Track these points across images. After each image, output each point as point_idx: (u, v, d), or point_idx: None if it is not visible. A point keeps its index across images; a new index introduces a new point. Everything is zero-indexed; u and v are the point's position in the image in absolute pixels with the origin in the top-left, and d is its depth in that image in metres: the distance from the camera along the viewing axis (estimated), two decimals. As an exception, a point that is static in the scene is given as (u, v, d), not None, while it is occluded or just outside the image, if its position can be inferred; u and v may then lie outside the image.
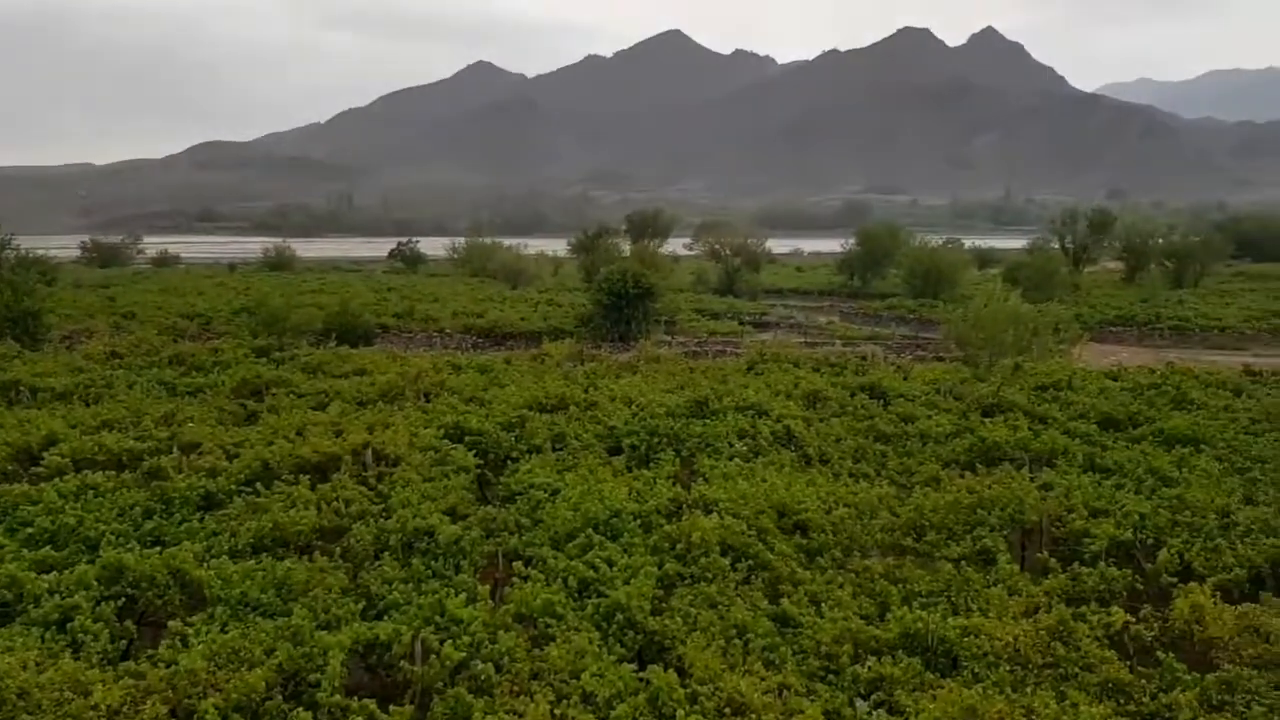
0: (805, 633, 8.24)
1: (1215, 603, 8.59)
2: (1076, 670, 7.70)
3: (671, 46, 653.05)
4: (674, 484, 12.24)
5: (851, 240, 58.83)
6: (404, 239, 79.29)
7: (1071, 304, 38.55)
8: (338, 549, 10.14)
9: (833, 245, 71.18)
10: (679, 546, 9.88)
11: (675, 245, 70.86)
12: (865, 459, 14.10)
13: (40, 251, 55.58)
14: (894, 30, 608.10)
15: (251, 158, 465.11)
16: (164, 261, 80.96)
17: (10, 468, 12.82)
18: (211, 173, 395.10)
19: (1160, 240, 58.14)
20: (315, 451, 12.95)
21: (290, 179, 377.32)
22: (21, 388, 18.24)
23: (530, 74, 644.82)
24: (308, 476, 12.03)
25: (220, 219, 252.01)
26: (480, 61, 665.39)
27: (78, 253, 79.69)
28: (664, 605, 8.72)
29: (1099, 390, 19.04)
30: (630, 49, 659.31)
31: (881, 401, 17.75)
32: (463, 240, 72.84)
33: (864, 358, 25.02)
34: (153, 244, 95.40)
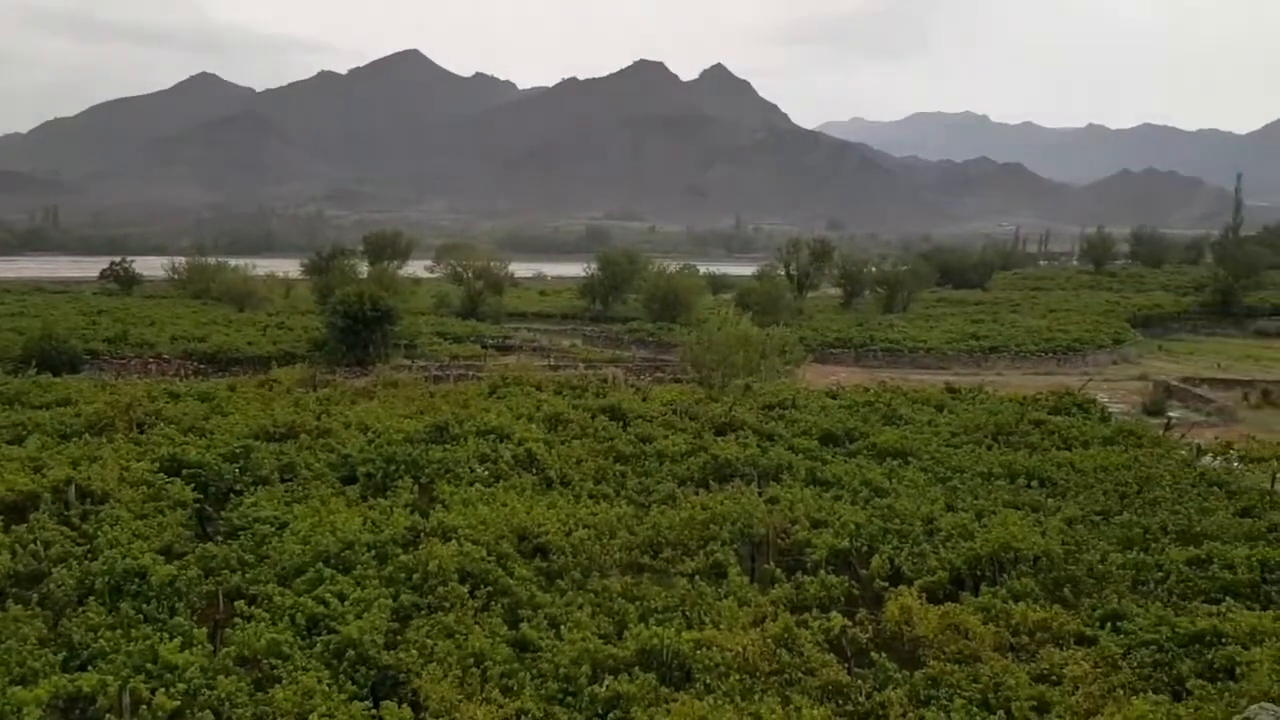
0: (544, 656, 8.25)
1: (922, 604, 9.30)
2: (800, 675, 8.11)
3: (410, 65, 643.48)
4: (411, 512, 11.98)
5: (593, 265, 59.82)
6: (117, 258, 73.65)
7: (796, 327, 40.74)
8: (35, 595, 9.25)
9: (575, 269, 72.09)
10: (416, 576, 9.67)
11: (416, 267, 69.54)
12: (605, 479, 14.33)
13: None
14: (630, 62, 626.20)
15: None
16: None
17: None
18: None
19: (874, 269, 62.73)
20: (10, 490, 11.78)
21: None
22: None
23: (259, 88, 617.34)
24: (1, 517, 10.92)
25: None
26: (204, 73, 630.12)
27: None
28: (399, 638, 8.50)
29: (820, 408, 20.25)
30: (366, 66, 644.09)
31: (621, 423, 18.10)
32: (184, 260, 68.54)
33: (605, 380, 25.46)
34: None
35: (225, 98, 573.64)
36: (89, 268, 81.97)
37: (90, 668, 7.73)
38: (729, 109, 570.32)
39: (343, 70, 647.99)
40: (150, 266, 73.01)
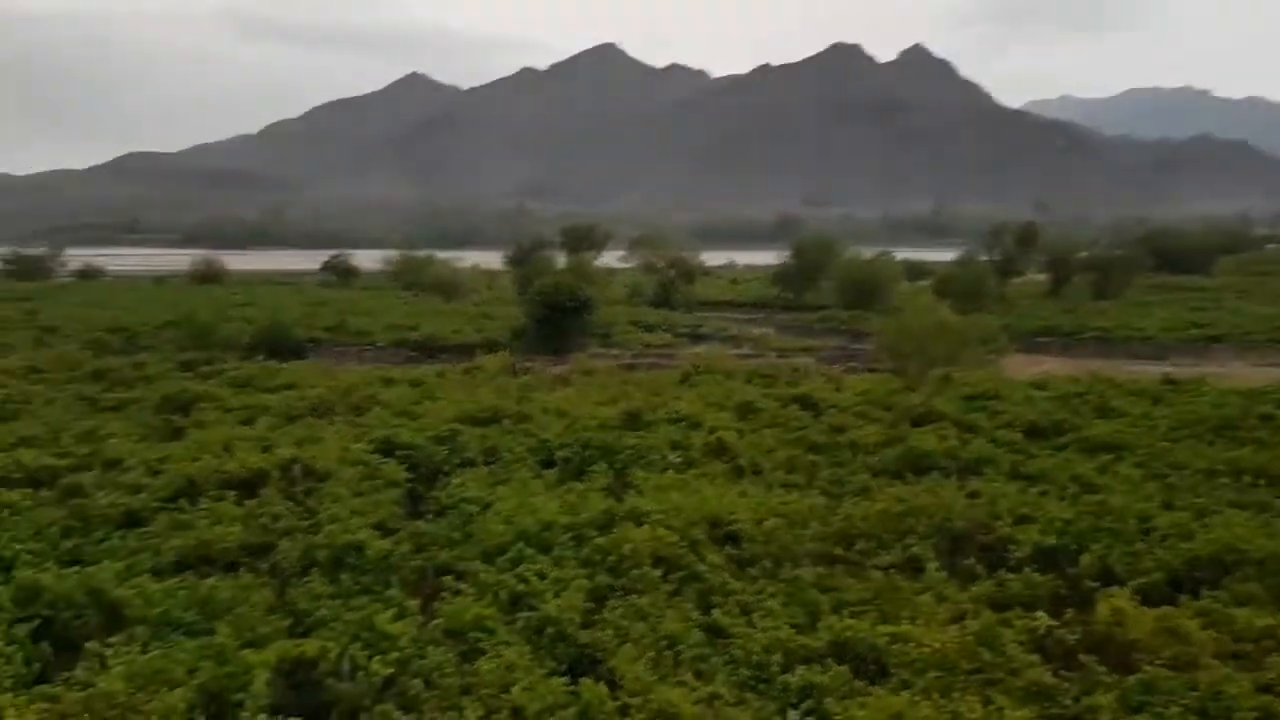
0: (736, 643, 8.28)
1: (1135, 606, 8.81)
2: (1002, 675, 7.84)
3: (605, 59, 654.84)
4: (606, 496, 12.24)
5: (785, 253, 59.34)
6: (336, 252, 78.35)
7: (999, 315, 39.28)
8: (264, 566, 9.97)
9: (767, 258, 71.72)
10: (611, 559, 9.87)
11: (611, 258, 70.90)
12: (797, 469, 14.22)
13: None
14: (826, 46, 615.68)
15: (179, 169, 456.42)
16: (89, 274, 78.97)
17: (-80, 487, 12.40)
18: (137, 184, 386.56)
19: (1084, 253, 59.59)
20: (242, 467, 12.74)
21: (221, 191, 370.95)
22: (-66, 404, 17.68)
23: (464, 86, 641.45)
24: (234, 492, 11.84)
25: (147, 231, 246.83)
26: (413, 74, 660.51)
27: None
28: (595, 618, 8.71)
29: (1025, 399, 19.43)
30: (564, 62, 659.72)
31: (814, 412, 17.93)
32: (396, 253, 72.18)
33: (797, 369, 25.26)
34: (76, 256, 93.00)
35: (432, 97, 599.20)
36: (311, 261, 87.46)
37: (312, 634, 8.26)
38: (928, 90, 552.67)
39: (543, 66, 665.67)
40: (366, 259, 77.27)
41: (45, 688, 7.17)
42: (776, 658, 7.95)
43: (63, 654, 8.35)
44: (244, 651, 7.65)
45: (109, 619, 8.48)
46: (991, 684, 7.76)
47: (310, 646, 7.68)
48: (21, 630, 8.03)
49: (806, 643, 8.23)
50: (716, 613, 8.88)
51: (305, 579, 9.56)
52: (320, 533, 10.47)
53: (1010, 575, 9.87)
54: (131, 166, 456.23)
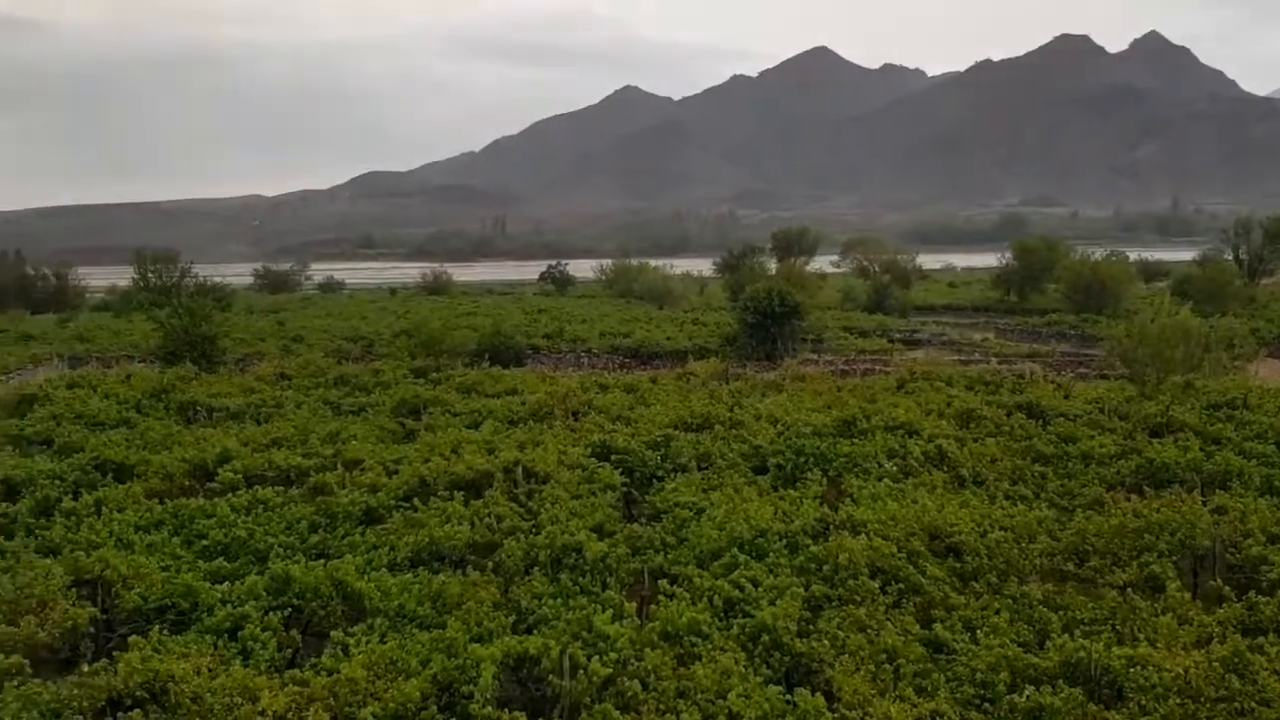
0: (959, 659, 8.01)
1: None
2: (1253, 704, 7.24)
3: (818, 63, 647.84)
4: (820, 504, 12.09)
5: (1008, 254, 56.98)
6: (554, 262, 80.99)
7: (1247, 318, 36.35)
8: (490, 564, 10.39)
9: (987, 260, 69.08)
10: (826, 568, 9.74)
11: (822, 262, 70.06)
12: (1023, 480, 13.63)
13: (216, 279, 59.15)
14: (1051, 37, 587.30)
15: (410, 187, 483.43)
16: (330, 287, 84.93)
17: (188, 483, 13.64)
18: (373, 202, 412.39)
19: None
20: (469, 469, 13.34)
21: (447, 206, 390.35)
22: (199, 407, 19.40)
23: (676, 96, 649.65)
24: (462, 493, 12.41)
25: (382, 246, 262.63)
26: (628, 86, 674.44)
27: (250, 280, 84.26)
28: (811, 627, 8.62)
29: (1277, 409, 17.89)
30: (776, 67, 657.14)
31: (1040, 421, 17.12)
32: (610, 262, 73.85)
33: (1021, 376, 24.19)
34: (319, 270, 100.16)
35: (646, 108, 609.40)
36: (530, 271, 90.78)
37: (535, 632, 8.55)
38: (1164, 79, 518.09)
39: (754, 73, 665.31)
40: (581, 269, 79.45)
41: (295, 672, 7.73)
42: (1002, 676, 7.64)
43: (310, 641, 9.01)
44: (472, 645, 8.00)
45: (351, 609, 9.07)
46: (1241, 714, 7.19)
47: (533, 644, 7.95)
48: (275, 618, 8.70)
49: (1035, 662, 7.86)
50: (938, 627, 8.61)
51: (527, 577, 9.91)
52: (541, 533, 10.83)
53: (1262, 598, 9.10)
54: (368, 186, 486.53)
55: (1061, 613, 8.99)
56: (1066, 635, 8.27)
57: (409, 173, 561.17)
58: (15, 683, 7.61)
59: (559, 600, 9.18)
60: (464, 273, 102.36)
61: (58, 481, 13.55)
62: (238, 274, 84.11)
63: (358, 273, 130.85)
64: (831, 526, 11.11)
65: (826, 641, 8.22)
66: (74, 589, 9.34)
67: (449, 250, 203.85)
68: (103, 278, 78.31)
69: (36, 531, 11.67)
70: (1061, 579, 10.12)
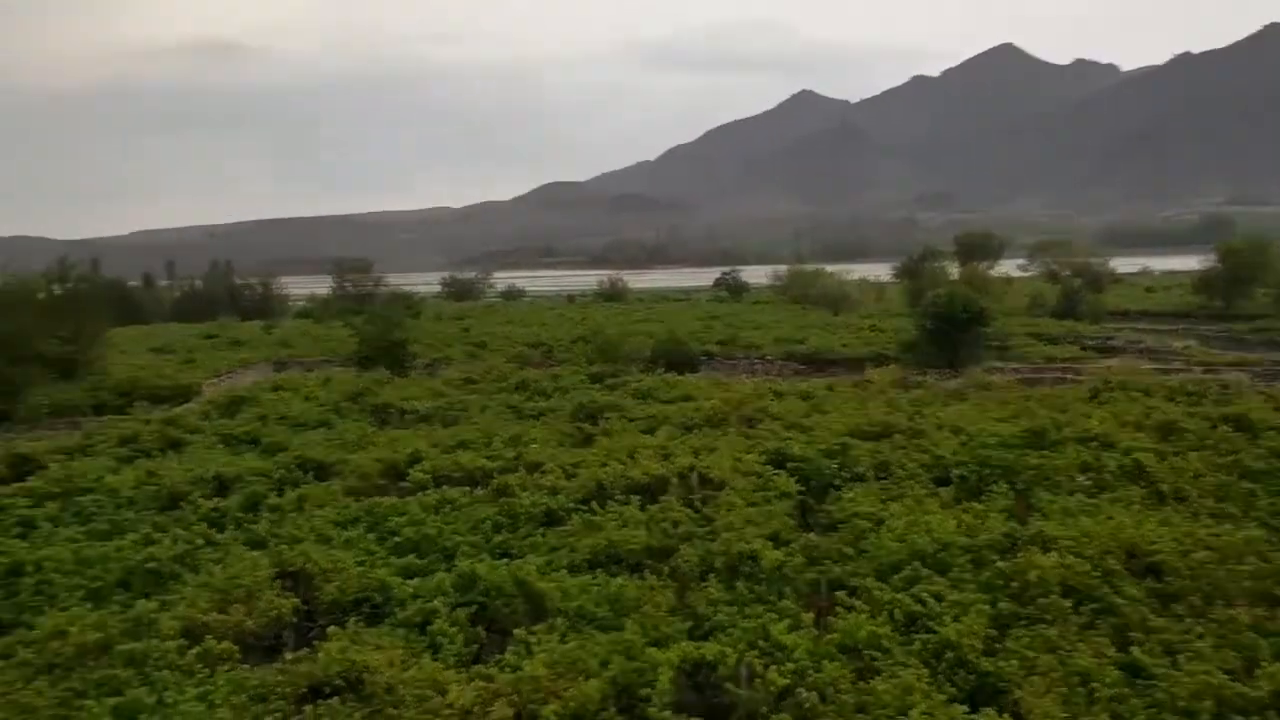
0: (1159, 685, 7.55)
1: None
2: None
3: (1004, 60, 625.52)
4: (1007, 518, 11.63)
5: (1211, 257, 53.51)
6: (727, 268, 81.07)
7: None
8: (665, 568, 10.46)
9: (1188, 263, 65.05)
10: (1014, 585, 9.36)
11: (1008, 267, 67.51)
12: (1229, 498, 12.73)
13: (406, 288, 61.89)
14: (1258, 27, 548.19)
15: (588, 197, 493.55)
16: (511, 295, 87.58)
17: (381, 482, 14.30)
18: (553, 212, 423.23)
19: None
20: (645, 473, 13.48)
21: (623, 215, 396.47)
22: (391, 410, 20.32)
23: (854, 99, 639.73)
24: (638, 497, 12.55)
25: (561, 254, 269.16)
26: (803, 91, 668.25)
27: (438, 288, 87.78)
28: (998, 646, 8.30)
29: None
30: (959, 66, 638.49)
31: (1249, 434, 15.97)
32: (784, 268, 73.31)
33: (1227, 386, 22.64)
34: (501, 279, 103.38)
35: (821, 112, 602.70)
36: (704, 277, 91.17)
37: (711, 638, 8.56)
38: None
39: (935, 73, 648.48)
40: (755, 275, 79.25)
41: (480, 668, 8.00)
42: (1207, 705, 7.17)
43: (494, 637, 9.28)
44: (650, 649, 8.08)
45: (533, 608, 9.31)
46: None
47: (710, 650, 7.96)
48: (462, 614, 9.02)
49: (1244, 691, 7.34)
50: (1136, 650, 8.15)
51: (703, 584, 9.92)
52: (717, 540, 10.84)
53: None
54: (548, 196, 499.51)
55: (1273, 639, 8.36)
56: (1278, 664, 7.69)
57: (587, 182, 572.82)
58: (226, 667, 8.17)
59: (735, 608, 9.16)
60: (640, 279, 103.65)
61: (264, 478, 14.45)
62: (426, 282, 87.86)
63: (538, 280, 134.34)
64: (1019, 542, 10.66)
65: (1015, 661, 7.90)
66: (278, 580, 9.93)
67: (626, 257, 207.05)
68: (303, 287, 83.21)
69: (245, 525, 12.49)
70: (1273, 604, 9.41)
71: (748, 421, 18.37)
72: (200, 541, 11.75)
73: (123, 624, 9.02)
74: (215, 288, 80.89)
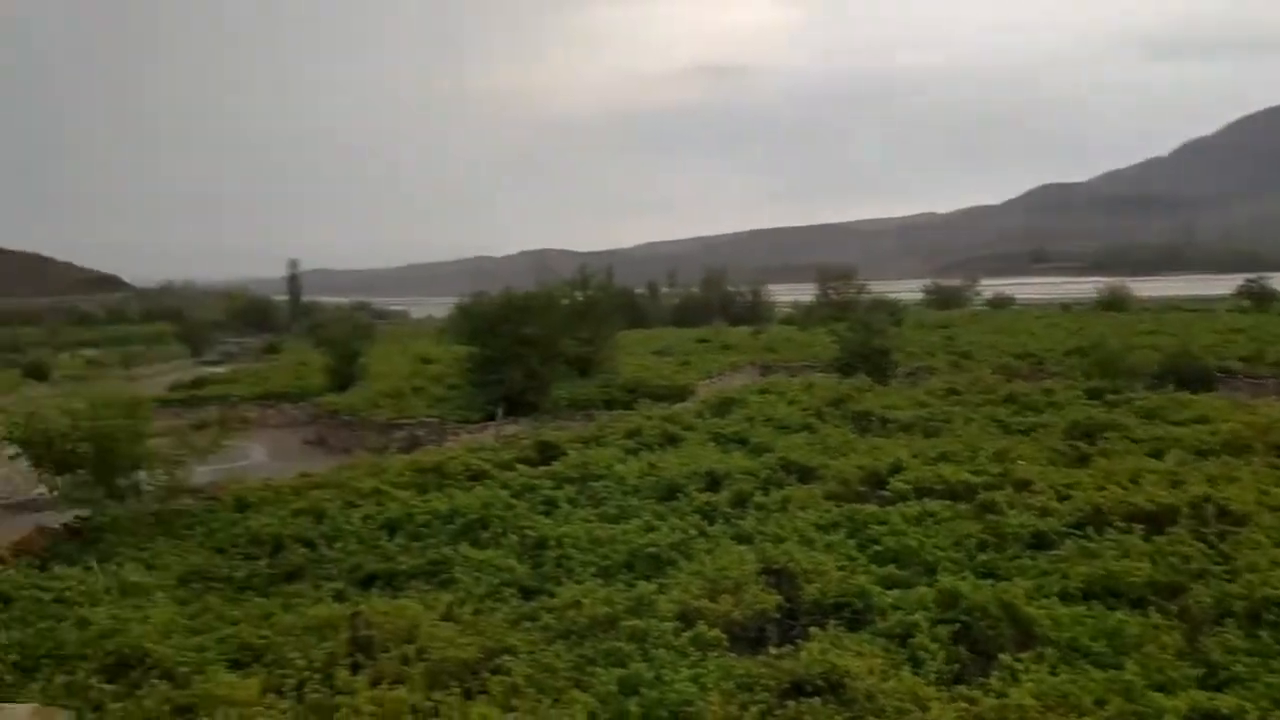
0: None
1: None
2: None
3: None
4: None
5: None
6: (1251, 275, 71.55)
7: None
8: (1174, 607, 9.51)
9: None
10: None
11: None
12: None
13: (889, 295, 61.83)
14: None
15: (1087, 197, 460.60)
16: (998, 302, 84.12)
17: (862, 489, 14.42)
18: (1044, 214, 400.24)
19: None
20: (1150, 501, 12.32)
21: (1124, 216, 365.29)
22: (872, 417, 20.42)
23: None
24: (1141, 526, 11.51)
25: (1053, 259, 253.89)
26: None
27: (920, 295, 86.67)
28: None
29: None
30: None
31: None
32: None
33: None
34: (988, 286, 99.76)
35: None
36: (1222, 285, 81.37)
37: (1226, 689, 7.65)
38: None
39: None
40: (1287, 282, 69.30)
41: (963, 689, 7.81)
42: None
43: (977, 659, 9.01)
44: (1153, 693, 7.41)
45: (1020, 635, 8.90)
46: None
47: (1226, 703, 7.15)
48: (944, 631, 8.86)
49: None
50: None
51: (1218, 628, 8.89)
52: (1237, 580, 9.65)
53: None
54: (1041, 198, 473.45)
55: None
56: None
57: (1085, 183, 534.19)
58: (715, 653, 8.71)
59: (1257, 659, 8.11)
60: (1145, 286, 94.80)
61: (751, 477, 15.19)
62: (909, 290, 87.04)
63: (1027, 287, 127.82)
64: None
65: None
66: (763, 576, 10.40)
67: (1129, 263, 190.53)
68: (789, 294, 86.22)
69: (733, 520, 13.23)
70: None
71: (1277, 450, 16.10)
72: (694, 532, 12.64)
73: (627, 601, 9.96)
74: (709, 295, 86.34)
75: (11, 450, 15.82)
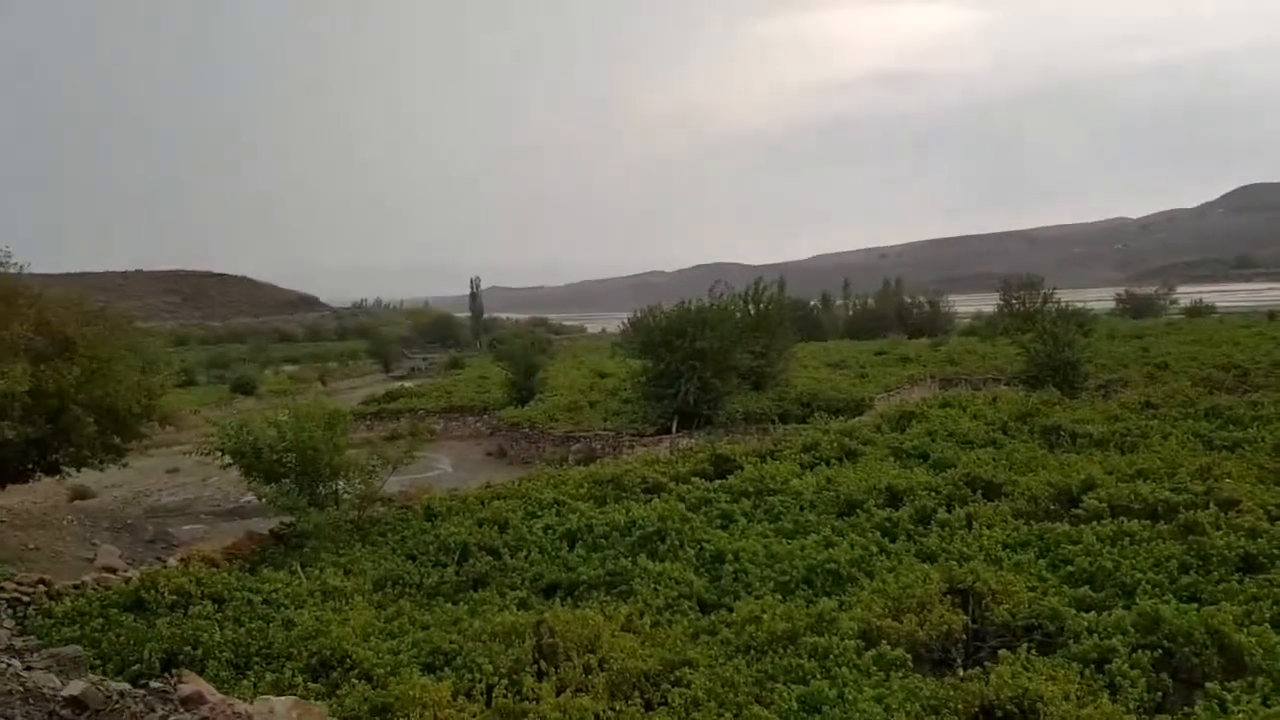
0: None
1: None
2: None
3: None
4: None
5: None
6: None
7: None
8: None
9: None
10: None
11: None
12: None
13: (1078, 304, 59.06)
14: None
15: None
16: (1197, 311, 79.17)
17: (1052, 506, 13.84)
18: (1249, 217, 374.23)
19: None
20: None
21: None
22: (1062, 432, 19.55)
23: None
24: None
25: (1259, 265, 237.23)
26: None
27: (1112, 304, 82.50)
28: None
29: None
30: None
31: None
32: None
33: None
34: (1186, 293, 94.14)
35: None
36: None
37: None
38: None
39: None
40: None
41: (1165, 718, 7.39)
42: None
43: (1180, 687, 8.52)
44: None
45: (1228, 662, 8.37)
46: None
47: None
48: (1144, 657, 8.41)
49: None
50: None
51: None
52: None
53: None
54: (1243, 199, 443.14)
55: None
56: None
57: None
58: (900, 674, 8.53)
59: None
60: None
61: (933, 493, 14.81)
62: (1099, 298, 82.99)
63: (1230, 295, 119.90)
64: None
65: None
66: (948, 596, 10.12)
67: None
68: (970, 304, 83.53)
69: (915, 537, 12.93)
70: None
71: None
72: (874, 549, 12.43)
73: (807, 618, 9.88)
74: (885, 306, 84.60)
75: (224, 460, 16.95)
